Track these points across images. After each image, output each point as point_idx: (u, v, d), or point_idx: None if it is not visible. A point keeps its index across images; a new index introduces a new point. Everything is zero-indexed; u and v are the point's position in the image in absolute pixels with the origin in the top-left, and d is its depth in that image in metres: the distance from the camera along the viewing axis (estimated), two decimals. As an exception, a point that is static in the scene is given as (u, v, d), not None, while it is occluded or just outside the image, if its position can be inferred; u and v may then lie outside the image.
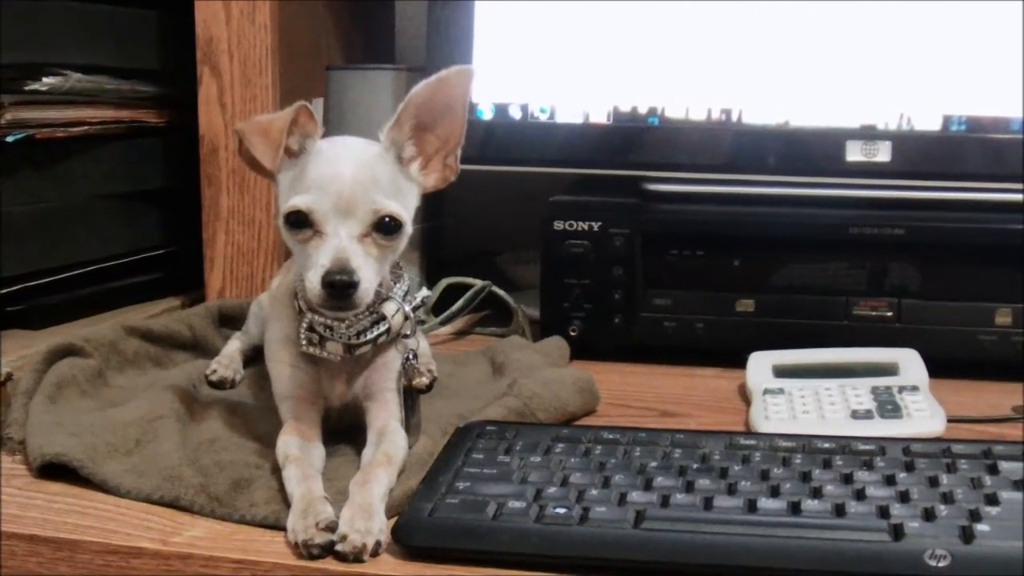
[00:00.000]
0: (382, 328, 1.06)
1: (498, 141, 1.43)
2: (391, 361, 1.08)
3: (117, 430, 1.09)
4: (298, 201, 0.99)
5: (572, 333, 1.40)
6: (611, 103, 1.40)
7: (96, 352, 1.27)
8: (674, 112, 1.40)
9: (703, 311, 1.39)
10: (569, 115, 1.42)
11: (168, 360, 1.36)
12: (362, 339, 1.06)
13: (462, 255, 1.69)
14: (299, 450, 1.01)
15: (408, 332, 1.08)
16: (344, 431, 1.10)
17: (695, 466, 0.98)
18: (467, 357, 1.39)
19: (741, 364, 1.29)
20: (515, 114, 1.43)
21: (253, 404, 1.20)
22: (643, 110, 1.40)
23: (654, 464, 0.98)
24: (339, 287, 0.96)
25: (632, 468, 0.98)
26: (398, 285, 1.07)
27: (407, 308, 1.07)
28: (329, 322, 1.04)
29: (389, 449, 1.01)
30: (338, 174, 0.99)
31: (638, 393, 1.30)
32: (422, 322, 1.19)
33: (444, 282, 1.49)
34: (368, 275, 0.98)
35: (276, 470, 1.00)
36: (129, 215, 1.60)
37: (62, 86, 1.44)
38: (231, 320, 1.44)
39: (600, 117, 1.42)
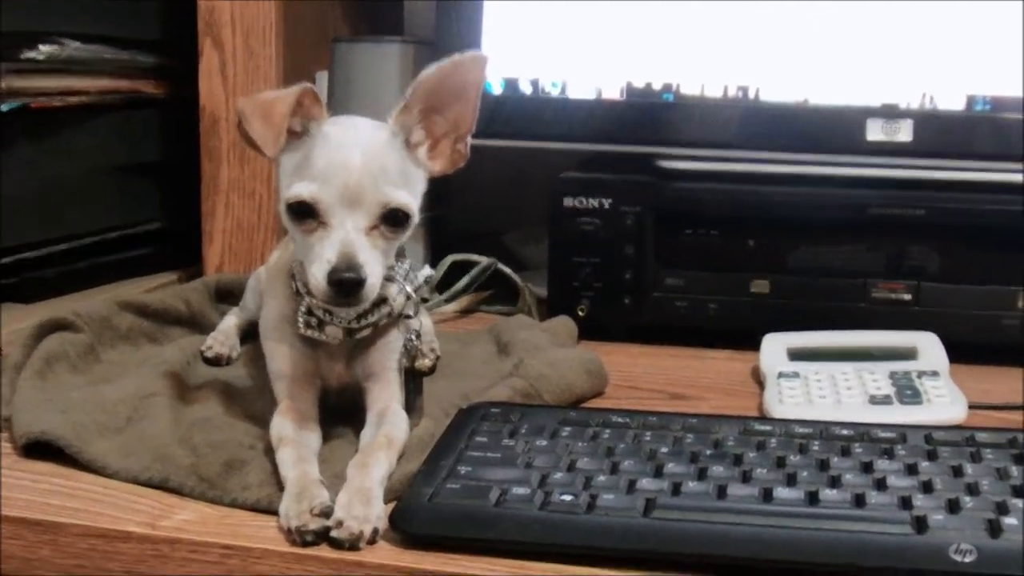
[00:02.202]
0: (384, 310, 1.02)
1: (508, 116, 1.39)
2: (392, 342, 1.04)
3: (107, 407, 1.05)
4: (302, 190, 0.94)
5: (580, 313, 1.36)
6: (625, 78, 1.37)
7: (88, 327, 1.23)
8: (689, 88, 1.36)
9: (716, 292, 1.35)
10: (581, 90, 1.38)
11: (163, 336, 1.32)
12: (363, 322, 1.02)
13: (468, 233, 1.64)
14: (294, 432, 0.97)
15: (410, 313, 1.04)
16: (343, 413, 1.06)
17: (708, 452, 0.94)
18: (472, 336, 1.35)
19: (755, 347, 1.25)
20: (526, 89, 1.39)
21: (249, 382, 1.17)
22: (657, 86, 1.37)
23: (665, 450, 0.94)
24: (347, 285, 0.93)
25: (642, 454, 0.94)
26: (400, 264, 1.03)
27: (409, 288, 1.03)
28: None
29: (390, 431, 0.97)
30: (346, 163, 0.94)
31: (648, 375, 1.26)
32: (425, 300, 1.14)
33: (449, 259, 1.45)
34: (375, 269, 0.95)
35: (270, 451, 0.96)
36: (126, 188, 1.57)
37: (59, 55, 1.42)
38: (229, 295, 1.40)
39: (613, 93, 1.38)
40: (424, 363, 1.06)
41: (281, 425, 0.98)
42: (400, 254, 1.04)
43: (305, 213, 0.95)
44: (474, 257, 1.45)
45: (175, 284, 1.51)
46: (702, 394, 1.20)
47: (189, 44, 1.47)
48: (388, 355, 1.04)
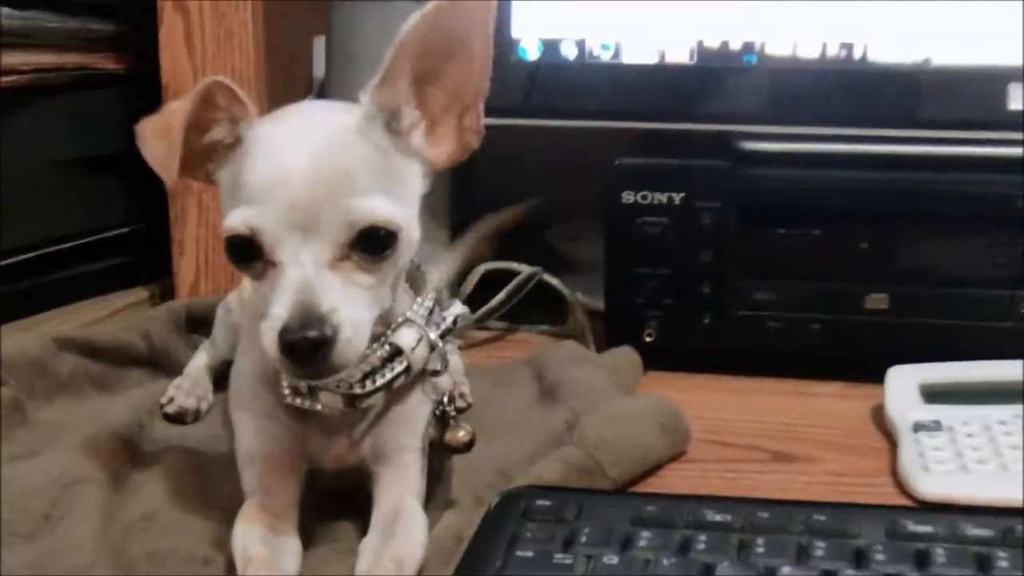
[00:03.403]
0: (398, 368, 0.84)
1: (546, 88, 1.26)
2: (413, 409, 0.87)
3: (19, 501, 0.87)
4: (234, 221, 0.76)
5: (647, 339, 1.22)
6: (694, 37, 1.23)
7: (13, 376, 1.07)
8: (778, 48, 1.22)
9: (820, 308, 1.20)
10: (639, 53, 1.24)
11: (117, 381, 1.16)
12: (369, 386, 0.83)
13: (504, 229, 1.48)
14: (264, 546, 0.79)
15: (437, 367, 0.86)
16: (341, 496, 0.90)
17: (849, 572, 0.73)
18: (507, 371, 1.20)
19: (872, 379, 1.10)
20: (569, 53, 1.25)
21: (218, 449, 0.98)
22: (736, 45, 1.22)
23: (788, 569, 0.73)
24: (303, 349, 0.74)
25: (755, 571, 0.73)
26: (419, 300, 0.86)
27: (433, 335, 0.85)
28: None
29: (399, 551, 0.79)
30: (285, 172, 0.76)
31: (738, 422, 1.10)
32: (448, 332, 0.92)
33: (481, 268, 1.32)
34: (354, 316, 0.76)
35: (234, 568, 0.79)
36: (80, 187, 1.44)
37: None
38: (203, 323, 1.22)
39: (680, 55, 1.23)
40: (458, 437, 0.89)
41: (247, 536, 0.80)
42: (417, 284, 0.87)
43: (246, 251, 0.77)
44: (514, 265, 1.31)
45: (146, 303, 1.42)
46: (814, 452, 1.03)
47: (152, 8, 1.36)
48: (407, 431, 0.87)
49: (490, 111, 0.85)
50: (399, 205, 0.78)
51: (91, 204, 1.46)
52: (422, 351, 0.85)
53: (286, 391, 0.83)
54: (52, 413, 1.08)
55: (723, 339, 1.24)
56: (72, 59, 1.40)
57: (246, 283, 1.02)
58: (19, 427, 1.04)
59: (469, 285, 1.30)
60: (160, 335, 1.20)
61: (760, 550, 0.76)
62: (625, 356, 1.19)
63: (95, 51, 1.42)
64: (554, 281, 1.31)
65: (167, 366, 1.18)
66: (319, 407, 0.84)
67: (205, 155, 0.80)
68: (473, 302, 1.30)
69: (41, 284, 1.39)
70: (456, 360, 1.10)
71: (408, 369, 0.84)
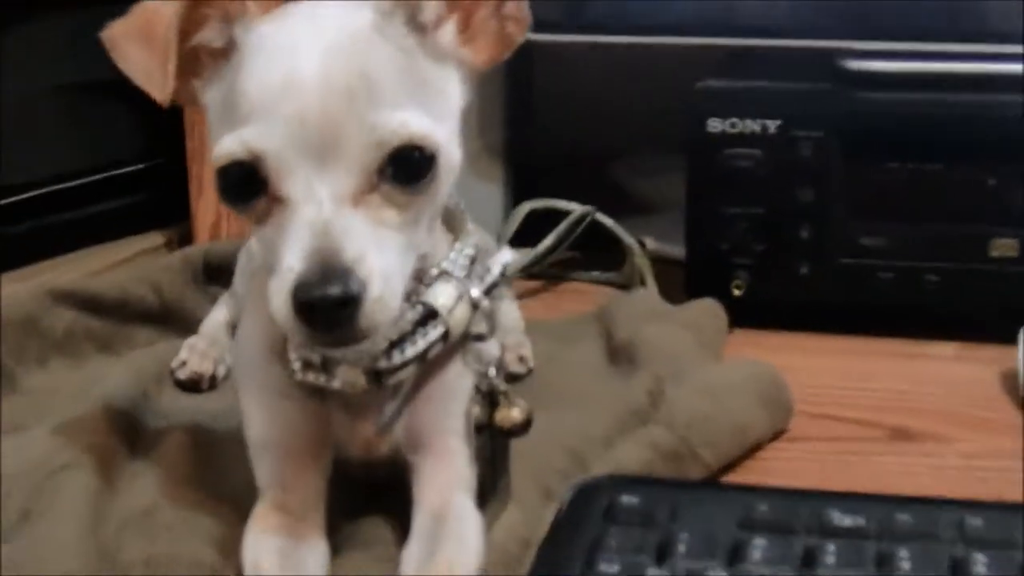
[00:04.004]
0: (433, 334, 0.74)
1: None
2: (453, 383, 0.77)
3: None
4: (231, 145, 0.67)
5: (735, 291, 1.15)
6: None
7: (3, 334, 1.01)
8: None
9: (938, 256, 1.13)
10: None
11: (122, 340, 1.09)
12: (397, 358, 0.73)
13: (561, 162, 1.45)
14: (279, 559, 0.71)
15: (482, 332, 0.76)
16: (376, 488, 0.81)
17: None
18: (570, 327, 1.13)
19: (1000, 337, 1.03)
20: None
21: (234, 426, 0.85)
22: None
23: None
24: (323, 310, 0.64)
25: None
26: (457, 247, 0.76)
27: (476, 292, 0.75)
28: None
29: (452, 559, 0.71)
30: (293, 80, 0.67)
31: (844, 390, 1.02)
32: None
33: (525, 207, 1.27)
34: (385, 265, 0.66)
35: None
36: (85, 116, 1.38)
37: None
38: (222, 272, 1.14)
39: None
40: (511, 415, 0.78)
41: (260, 547, 0.72)
42: (455, 226, 0.78)
43: (245, 184, 0.67)
44: (562, 204, 1.25)
45: (163, 249, 1.35)
46: (938, 428, 0.96)
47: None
48: (447, 409, 0.77)
49: (549, 25, 0.80)
50: (435, 119, 0.69)
51: (98, 136, 1.42)
52: (462, 312, 0.75)
53: (295, 365, 0.74)
54: (44, 378, 1.03)
55: (824, 292, 1.18)
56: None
57: None
58: (8, 394, 0.98)
59: (512, 226, 1.26)
60: (173, 287, 1.14)
61: (905, 564, 0.65)
62: (708, 311, 1.12)
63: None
64: (608, 222, 1.25)
65: (181, 323, 1.12)
66: (336, 384, 0.74)
67: (188, 66, 0.70)
68: (516, 245, 1.25)
69: (41, 228, 1.35)
70: (513, 312, 1.04)
71: (446, 335, 0.75)
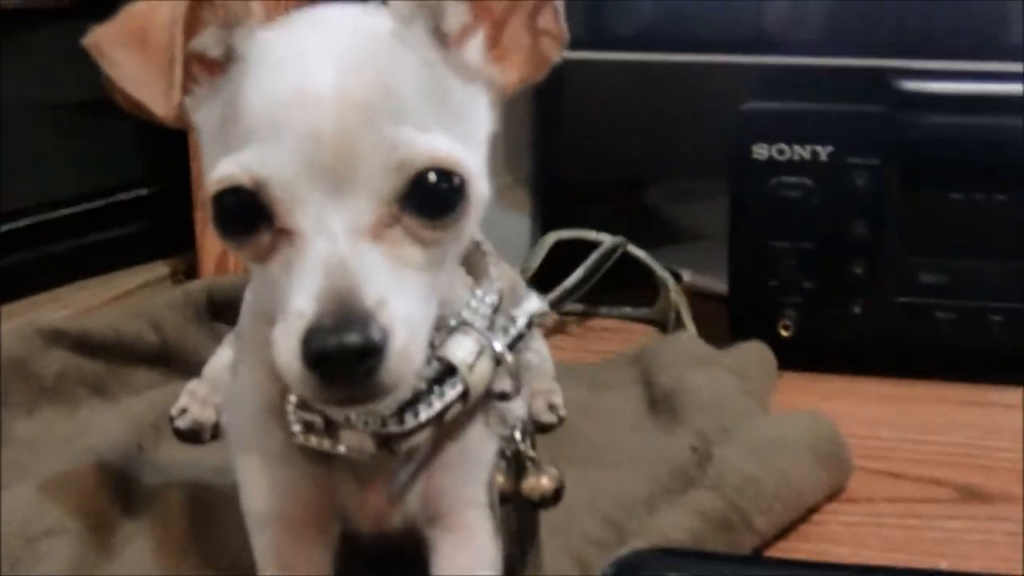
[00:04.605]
0: (451, 393, 0.67)
1: (649, 12, 1.17)
2: (475, 449, 0.71)
3: None
4: (230, 169, 0.59)
5: (783, 331, 1.11)
6: None
7: None
8: None
9: (1003, 294, 1.10)
10: None
11: (118, 384, 1.04)
12: (411, 422, 0.66)
13: (593, 188, 1.42)
14: None
15: (506, 390, 0.69)
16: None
17: None
18: (606, 370, 1.08)
19: None
20: None
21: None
22: None
23: None
24: (341, 360, 0.56)
25: None
26: (479, 293, 0.70)
27: (499, 345, 0.68)
28: None
29: None
30: (303, 93, 0.59)
31: (905, 442, 0.97)
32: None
33: (551, 237, 1.24)
34: (408, 311, 0.59)
35: None
36: (87, 137, 1.34)
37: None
38: (228, 309, 1.07)
39: None
40: (540, 484, 0.71)
41: None
42: (475, 267, 0.71)
43: (245, 216, 0.60)
44: (591, 234, 1.21)
45: (164, 282, 1.32)
46: (1012, 486, 0.90)
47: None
48: (467, 476, 0.71)
49: (580, 42, 0.70)
50: (463, 143, 0.62)
51: (100, 159, 1.38)
52: (484, 368, 0.68)
53: (295, 426, 0.67)
54: (32, 427, 0.98)
55: (878, 332, 1.14)
56: (79, -23, 1.25)
57: None
58: None
59: (537, 258, 1.22)
60: (175, 325, 1.09)
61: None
62: (756, 355, 1.07)
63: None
64: (641, 254, 1.21)
65: (182, 364, 1.07)
66: (341, 450, 0.68)
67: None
68: (541, 279, 1.21)
69: (37, 258, 1.32)
70: (542, 352, 0.98)
71: (466, 394, 0.68)
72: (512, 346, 0.69)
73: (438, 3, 0.63)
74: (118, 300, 1.24)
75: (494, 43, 0.66)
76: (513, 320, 0.70)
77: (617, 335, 1.20)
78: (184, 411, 0.95)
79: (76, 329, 1.03)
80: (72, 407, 1.00)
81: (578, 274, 1.16)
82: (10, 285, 1.25)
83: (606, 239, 1.20)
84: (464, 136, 0.62)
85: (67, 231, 1.33)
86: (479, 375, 0.67)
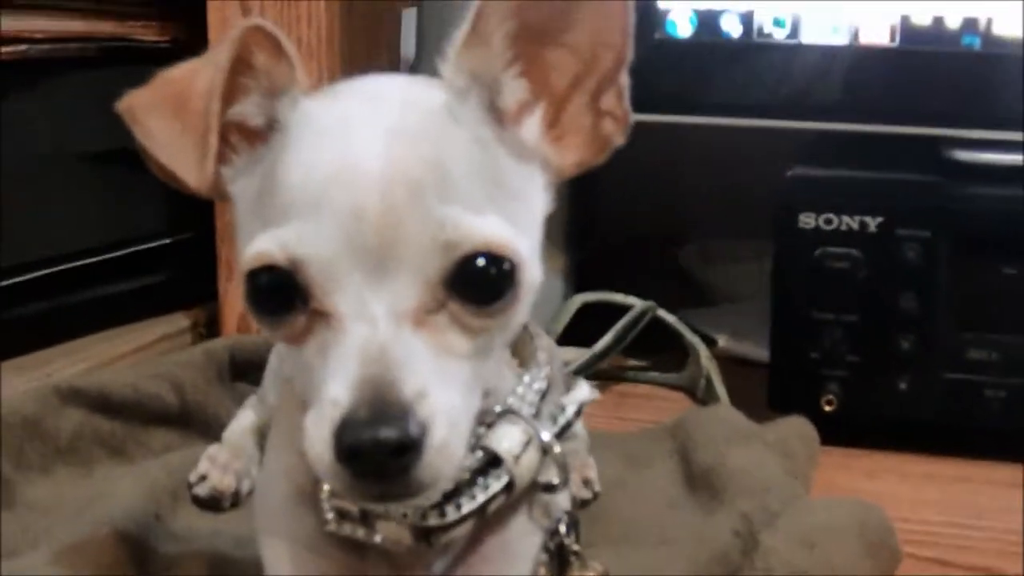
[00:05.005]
0: (495, 485, 0.64)
1: (701, 74, 1.13)
2: (517, 542, 0.67)
3: None
4: (266, 246, 0.56)
5: (826, 407, 1.08)
6: (897, 11, 1.10)
7: (5, 438, 0.93)
8: (1008, 27, 1.08)
9: None
10: (823, 32, 1.12)
11: (136, 445, 1.01)
12: (452, 514, 0.63)
13: (627, 247, 1.43)
14: None
15: (553, 481, 0.66)
16: None
17: None
18: (640, 442, 1.04)
19: None
20: (732, 30, 1.13)
21: (259, 558, 0.74)
22: (954, 23, 1.09)
23: None
24: (376, 456, 0.53)
25: None
26: (526, 380, 0.66)
27: (547, 436, 0.65)
28: None
29: None
30: (348, 168, 0.56)
31: (954, 527, 0.94)
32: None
33: (577, 300, 1.21)
34: (450, 403, 0.56)
35: None
36: (108, 187, 1.31)
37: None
38: (251, 368, 1.07)
39: (879, 35, 1.10)
40: None
41: None
42: (522, 352, 0.67)
43: (280, 296, 0.57)
44: (619, 298, 1.19)
45: (185, 334, 1.29)
46: None
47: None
48: (510, 571, 0.67)
49: None
50: (515, 227, 0.58)
51: (121, 209, 1.35)
52: (530, 459, 0.65)
53: (329, 514, 0.65)
54: (47, 489, 0.94)
55: (925, 410, 1.11)
56: (103, 27, 1.29)
57: None
58: (4, 509, 0.89)
59: (562, 322, 1.19)
60: (195, 385, 1.06)
61: None
62: (799, 432, 1.03)
63: (131, 18, 1.32)
64: (671, 319, 1.18)
65: (202, 426, 1.04)
66: (376, 540, 0.64)
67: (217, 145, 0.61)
68: (568, 341, 1.20)
69: (55, 308, 1.29)
70: (576, 425, 0.90)
71: (510, 486, 0.65)
72: (560, 435, 0.66)
73: (495, 78, 0.60)
74: (137, 353, 1.22)
75: (553, 122, 0.63)
76: (562, 408, 0.66)
77: (650, 402, 1.17)
78: (203, 478, 0.92)
79: (94, 387, 1.01)
80: (88, 468, 0.97)
81: (607, 339, 1.17)
82: (28, 336, 1.23)
83: (634, 302, 1.18)
84: (516, 218, 0.59)
85: (87, 281, 1.31)
86: (525, 466, 0.65)
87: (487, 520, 0.64)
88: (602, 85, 0.62)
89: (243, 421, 0.96)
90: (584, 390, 0.68)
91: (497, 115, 0.60)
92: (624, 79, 0.62)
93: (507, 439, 0.63)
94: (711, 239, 1.45)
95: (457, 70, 0.59)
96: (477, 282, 0.56)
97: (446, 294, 0.55)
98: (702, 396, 1.15)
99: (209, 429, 1.01)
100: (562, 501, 0.67)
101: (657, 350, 1.23)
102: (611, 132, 0.61)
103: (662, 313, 1.19)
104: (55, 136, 1.28)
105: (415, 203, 0.55)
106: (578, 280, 1.35)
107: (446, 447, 0.54)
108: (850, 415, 1.09)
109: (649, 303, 1.18)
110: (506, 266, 0.56)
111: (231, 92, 0.59)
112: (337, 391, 0.53)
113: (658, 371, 1.23)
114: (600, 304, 1.22)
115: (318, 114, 0.59)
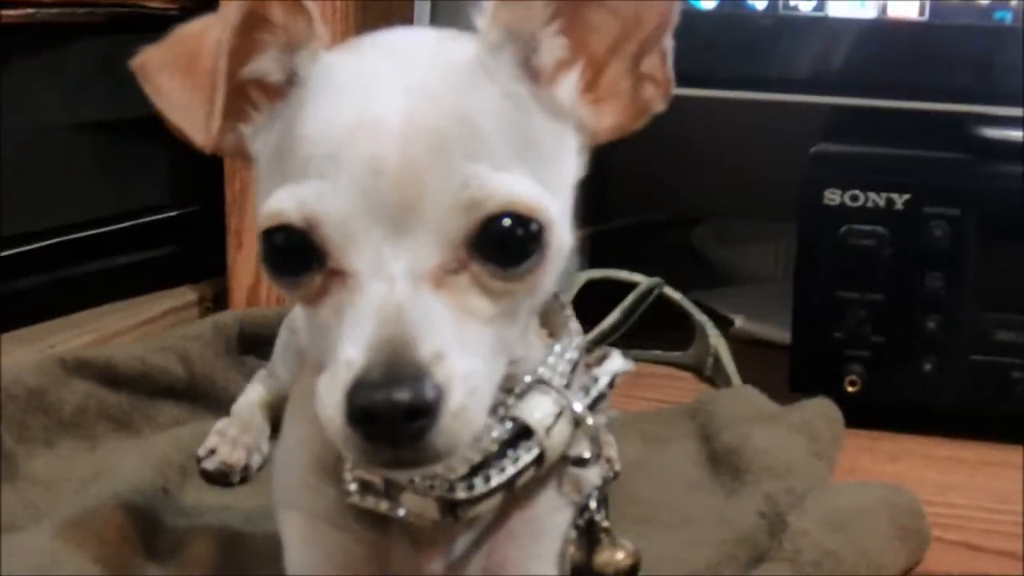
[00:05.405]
0: (525, 457, 0.61)
1: (724, 47, 1.10)
2: (546, 518, 0.65)
3: None
4: (283, 203, 0.55)
5: (849, 388, 1.05)
6: None
7: (7, 410, 0.92)
8: None
9: None
10: (850, 6, 1.10)
11: (143, 419, 0.99)
12: (480, 487, 0.61)
13: (641, 224, 1.42)
14: None
15: (584, 455, 0.63)
16: None
17: None
18: (659, 422, 1.02)
19: None
20: (756, 2, 1.11)
21: (268, 532, 0.73)
22: None
23: None
24: (388, 419, 0.51)
25: None
26: (557, 349, 0.64)
27: (579, 406, 0.62)
28: None
29: None
30: (367, 123, 0.54)
31: (981, 511, 0.92)
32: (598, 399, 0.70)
33: (582, 277, 1.19)
34: (469, 367, 0.53)
35: None
36: (115, 157, 1.31)
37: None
38: (260, 342, 1.06)
39: (907, 10, 1.08)
40: (615, 558, 0.66)
41: None
42: (554, 322, 0.66)
43: (297, 254, 0.56)
44: (623, 275, 1.17)
45: (192, 308, 1.28)
46: None
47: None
48: (536, 548, 0.65)
49: None
50: (545, 187, 0.56)
51: (128, 180, 1.34)
52: (562, 431, 0.63)
53: (351, 486, 0.63)
54: (50, 463, 0.92)
55: (950, 392, 1.08)
56: (113, -6, 1.28)
57: None
58: (11, 480, 0.87)
59: (571, 293, 1.17)
60: (203, 358, 1.04)
61: None
62: (823, 413, 1.00)
63: (141, -15, 1.30)
64: (676, 295, 1.16)
65: (210, 400, 1.03)
66: (400, 513, 0.62)
67: (235, 105, 0.59)
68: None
69: (61, 280, 1.27)
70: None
71: (540, 458, 0.63)
72: (592, 407, 0.64)
73: (533, 34, 0.57)
74: (143, 327, 1.21)
75: (591, 85, 0.61)
76: (594, 379, 0.64)
77: (662, 380, 1.15)
78: (212, 452, 0.90)
79: (100, 359, 0.99)
80: (92, 442, 0.96)
81: (614, 316, 1.15)
82: (32, 308, 1.22)
83: (640, 279, 1.16)
84: (547, 179, 0.57)
85: (93, 253, 1.29)
86: (556, 438, 0.63)
87: (515, 494, 0.62)
88: (644, 48, 0.60)
89: (252, 395, 0.96)
90: (618, 361, 0.66)
91: (532, 73, 0.58)
92: (668, 42, 0.60)
93: (538, 410, 0.62)
94: (727, 218, 1.44)
95: (493, 23, 0.57)
96: (502, 243, 0.54)
97: (468, 254, 0.54)
98: (710, 374, 1.13)
99: (217, 403, 1.00)
100: (593, 476, 0.65)
101: (661, 326, 1.22)
102: (651, 97, 0.60)
103: (668, 290, 1.18)
104: (61, 105, 1.26)
105: (437, 159, 0.53)
106: (590, 260, 1.33)
107: (464, 413, 0.52)
108: (873, 397, 1.07)
109: (656, 280, 1.17)
110: (533, 227, 0.54)
111: (248, 49, 0.58)
112: (352, 352, 0.52)
113: (662, 349, 1.21)
114: (606, 283, 1.20)
115: (338, 68, 0.57)
